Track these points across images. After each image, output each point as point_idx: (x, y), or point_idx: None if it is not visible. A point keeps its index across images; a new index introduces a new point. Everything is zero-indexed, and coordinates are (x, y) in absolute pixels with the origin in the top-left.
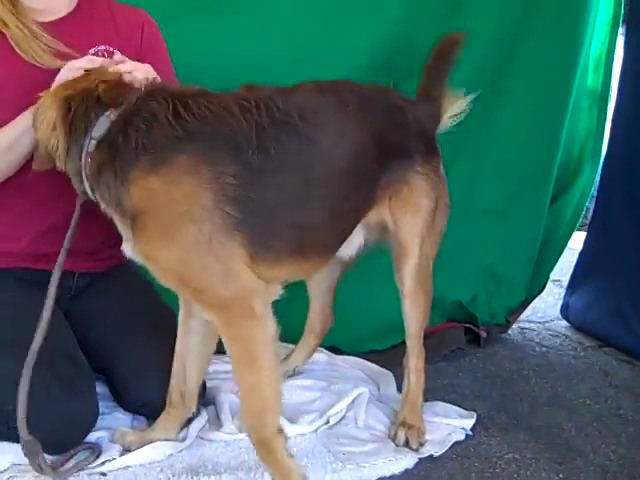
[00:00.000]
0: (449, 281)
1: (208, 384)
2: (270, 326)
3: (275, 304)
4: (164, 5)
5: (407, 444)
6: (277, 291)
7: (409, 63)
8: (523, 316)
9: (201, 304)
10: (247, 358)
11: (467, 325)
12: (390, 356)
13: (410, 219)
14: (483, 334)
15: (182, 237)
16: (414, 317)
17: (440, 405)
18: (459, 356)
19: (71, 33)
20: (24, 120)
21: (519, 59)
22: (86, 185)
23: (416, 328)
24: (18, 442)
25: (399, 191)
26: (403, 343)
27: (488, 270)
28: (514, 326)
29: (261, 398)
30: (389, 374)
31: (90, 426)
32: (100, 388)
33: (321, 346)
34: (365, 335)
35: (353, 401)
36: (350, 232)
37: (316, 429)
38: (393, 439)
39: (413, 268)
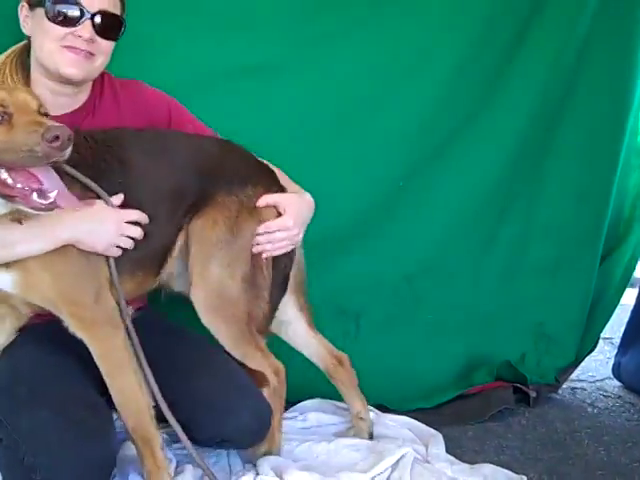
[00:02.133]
0: (498, 340)
1: None
2: (126, 335)
3: None
4: (205, 70)
5: None
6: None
7: (456, 125)
8: (574, 375)
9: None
10: (117, 366)
11: (516, 385)
12: (437, 415)
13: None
14: (533, 394)
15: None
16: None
17: (489, 468)
18: (508, 416)
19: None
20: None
21: (568, 119)
22: None
23: (233, 354)
24: None
25: (195, 223)
26: (449, 402)
27: (538, 329)
28: (564, 386)
29: (135, 398)
30: (437, 434)
31: (109, 467)
32: None
33: (368, 404)
34: (412, 394)
35: (397, 462)
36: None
37: None
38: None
39: (200, 297)
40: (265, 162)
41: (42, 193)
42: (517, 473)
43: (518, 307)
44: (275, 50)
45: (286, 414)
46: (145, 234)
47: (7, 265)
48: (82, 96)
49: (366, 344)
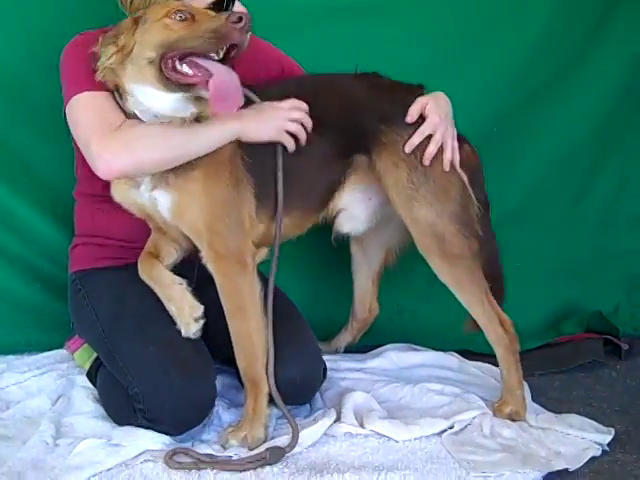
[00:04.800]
0: (589, 291)
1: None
2: (257, 283)
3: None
4: (303, 10)
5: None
6: (265, 252)
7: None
8: None
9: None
10: (238, 308)
11: (607, 337)
12: (525, 360)
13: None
14: (625, 346)
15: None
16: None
17: (576, 418)
18: (597, 368)
19: None
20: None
21: None
22: None
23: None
24: (143, 426)
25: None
26: (537, 349)
27: (632, 280)
28: None
29: (250, 343)
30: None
31: (208, 409)
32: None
33: (452, 349)
34: None
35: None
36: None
37: (440, 433)
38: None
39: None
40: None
41: None
42: (605, 425)
43: (611, 258)
44: None
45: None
46: (306, 169)
47: (167, 184)
48: None
49: None
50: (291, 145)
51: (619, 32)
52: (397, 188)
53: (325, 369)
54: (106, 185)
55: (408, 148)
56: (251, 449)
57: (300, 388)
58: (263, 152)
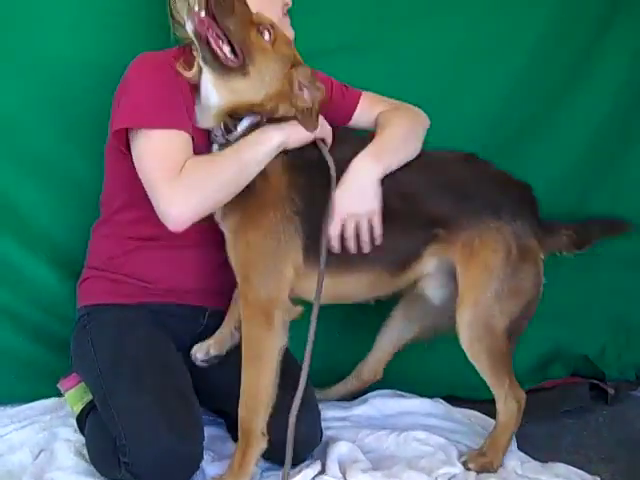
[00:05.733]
0: (575, 333)
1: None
2: (282, 340)
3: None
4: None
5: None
6: (299, 311)
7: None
8: None
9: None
10: (254, 357)
11: (593, 381)
12: None
13: (475, 272)
14: (611, 391)
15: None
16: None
17: (562, 467)
18: (584, 413)
19: None
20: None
21: None
22: None
23: (487, 381)
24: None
25: (470, 241)
26: None
27: (618, 321)
28: None
29: (256, 396)
30: None
31: (194, 469)
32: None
33: (439, 396)
34: (484, 384)
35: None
36: (407, 256)
37: None
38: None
39: (466, 320)
40: (521, 183)
41: None
42: (591, 474)
43: (598, 298)
44: (352, 32)
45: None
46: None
47: (224, 215)
48: None
49: None
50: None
51: (599, 73)
52: (474, 270)
53: (322, 431)
54: (133, 221)
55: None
56: None
57: (299, 448)
58: (320, 195)
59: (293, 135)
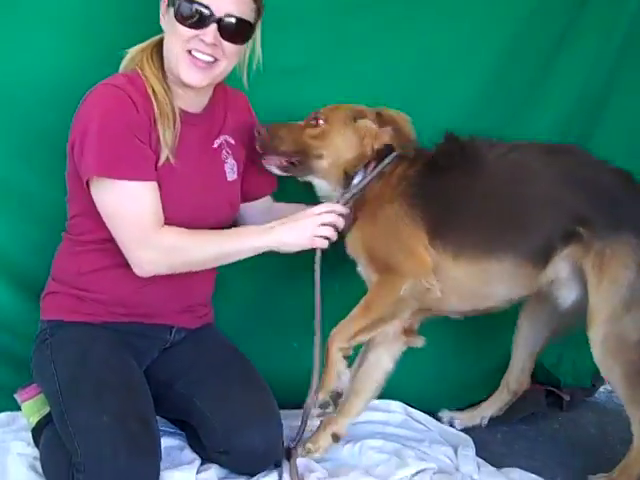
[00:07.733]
0: None
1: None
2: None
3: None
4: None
5: None
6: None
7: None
8: None
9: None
10: (371, 302)
11: (549, 388)
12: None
13: (605, 285)
14: (566, 397)
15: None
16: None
17: (517, 472)
18: (540, 419)
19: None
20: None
21: (608, 120)
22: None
23: (621, 395)
24: None
25: (602, 250)
26: (481, 401)
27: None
28: (601, 389)
29: (355, 324)
30: (468, 438)
31: None
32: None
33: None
34: (442, 394)
35: (417, 472)
36: (547, 246)
37: None
38: None
39: (599, 336)
40: None
41: None
42: (547, 479)
43: None
44: (308, 51)
45: None
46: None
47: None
48: (204, 99)
49: None
50: (324, 245)
51: (555, 87)
52: (607, 282)
53: (283, 443)
54: (100, 241)
55: None
56: None
57: (261, 457)
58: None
59: (288, 244)
